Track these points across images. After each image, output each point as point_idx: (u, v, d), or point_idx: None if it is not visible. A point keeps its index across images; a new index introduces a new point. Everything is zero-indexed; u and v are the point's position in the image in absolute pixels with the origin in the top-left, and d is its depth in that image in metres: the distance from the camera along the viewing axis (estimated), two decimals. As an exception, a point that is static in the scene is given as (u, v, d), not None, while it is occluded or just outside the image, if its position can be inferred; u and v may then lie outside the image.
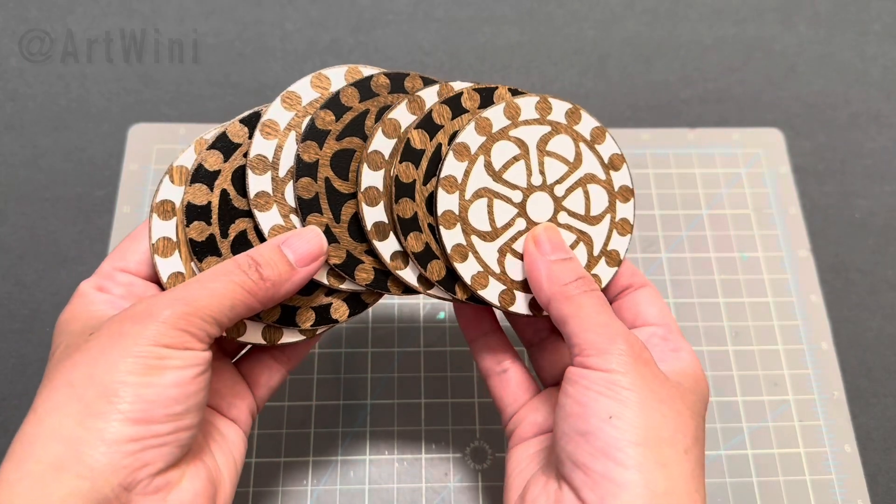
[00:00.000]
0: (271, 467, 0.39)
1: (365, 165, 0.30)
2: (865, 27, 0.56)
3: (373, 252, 0.30)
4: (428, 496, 0.39)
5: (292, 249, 0.28)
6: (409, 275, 0.31)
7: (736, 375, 0.43)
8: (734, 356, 0.44)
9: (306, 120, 0.30)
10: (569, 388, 0.28)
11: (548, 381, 0.34)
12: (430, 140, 0.31)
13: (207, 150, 0.30)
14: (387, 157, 0.30)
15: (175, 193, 0.30)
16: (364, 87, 0.32)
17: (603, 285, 0.33)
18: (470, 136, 0.31)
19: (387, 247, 0.30)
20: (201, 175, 0.30)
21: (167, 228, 0.29)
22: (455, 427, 0.41)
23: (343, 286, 0.30)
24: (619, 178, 0.33)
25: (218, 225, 0.30)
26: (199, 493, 0.26)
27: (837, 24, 0.56)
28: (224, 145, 0.30)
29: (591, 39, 0.55)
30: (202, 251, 0.29)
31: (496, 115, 0.32)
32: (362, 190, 0.30)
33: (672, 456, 0.26)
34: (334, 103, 0.31)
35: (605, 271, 0.33)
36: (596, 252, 0.32)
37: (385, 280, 0.31)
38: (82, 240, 0.45)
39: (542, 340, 0.34)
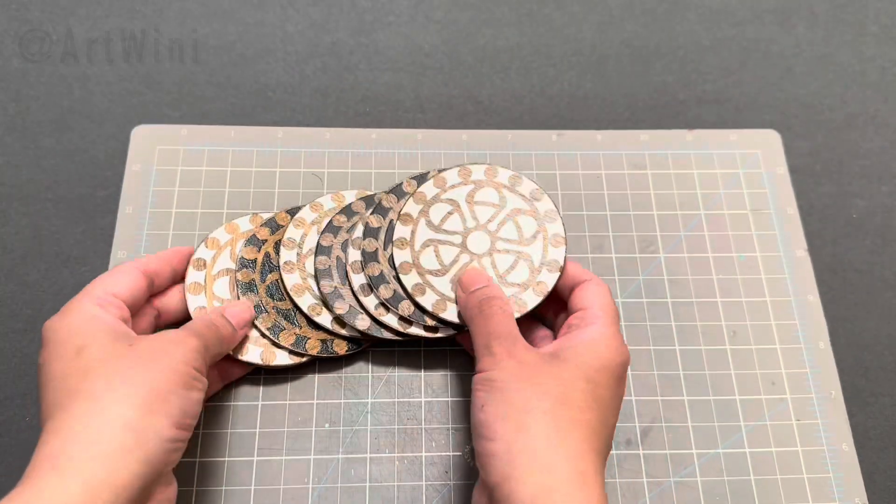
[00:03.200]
0: (273, 465, 0.39)
1: (350, 247, 0.42)
2: (863, 28, 0.57)
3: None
4: (428, 494, 0.39)
5: (230, 315, 0.38)
6: (391, 319, 0.40)
7: (734, 374, 0.43)
8: (732, 355, 0.44)
9: (325, 220, 0.43)
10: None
11: None
12: (385, 219, 0.42)
13: (261, 226, 0.44)
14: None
15: (207, 255, 0.42)
16: (369, 201, 0.44)
17: (549, 289, 0.40)
18: (411, 208, 0.42)
19: (371, 301, 0.40)
20: (253, 241, 0.43)
21: (198, 277, 0.41)
22: (455, 426, 0.41)
23: (344, 331, 0.41)
24: (543, 206, 0.42)
25: (259, 274, 0.42)
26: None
27: (835, 26, 0.57)
28: (272, 225, 0.44)
29: (590, 41, 0.55)
30: (245, 289, 0.41)
31: (428, 189, 0.42)
32: (349, 263, 0.41)
33: (528, 420, 0.31)
34: (347, 210, 0.43)
35: (548, 277, 0.40)
36: (536, 264, 0.40)
37: (379, 326, 0.40)
38: (85, 240, 0.46)
39: None
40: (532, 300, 0.39)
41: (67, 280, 0.44)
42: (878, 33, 0.57)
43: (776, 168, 0.50)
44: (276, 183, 0.47)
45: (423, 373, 0.42)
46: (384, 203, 0.43)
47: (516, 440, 0.30)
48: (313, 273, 0.42)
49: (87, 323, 0.33)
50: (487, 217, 0.41)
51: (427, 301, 0.39)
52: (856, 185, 0.50)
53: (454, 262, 0.40)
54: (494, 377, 0.33)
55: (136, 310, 0.37)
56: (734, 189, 0.49)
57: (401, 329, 0.40)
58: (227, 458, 0.39)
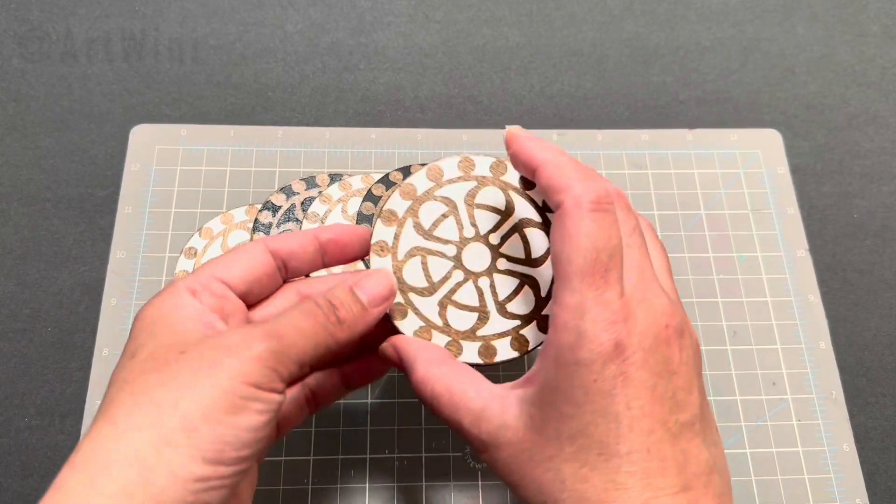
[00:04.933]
0: (272, 466, 0.39)
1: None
2: (863, 28, 0.57)
3: None
4: (428, 495, 0.39)
5: (364, 291, 0.29)
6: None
7: (734, 374, 0.43)
8: (732, 355, 0.44)
9: (351, 199, 0.44)
10: None
11: None
12: (375, 207, 0.40)
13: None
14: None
15: (199, 244, 0.42)
16: (405, 171, 0.44)
17: None
18: (396, 203, 0.33)
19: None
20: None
21: (187, 265, 0.39)
22: (455, 426, 0.41)
23: None
24: None
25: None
26: None
27: (835, 26, 0.57)
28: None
29: (590, 41, 0.55)
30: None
31: (419, 180, 0.34)
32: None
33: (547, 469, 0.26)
34: (385, 180, 0.43)
35: None
36: (544, 293, 0.32)
37: None
38: (84, 240, 0.46)
39: None
40: (536, 338, 0.32)
41: (66, 280, 0.44)
42: (878, 33, 0.56)
43: (777, 168, 0.50)
44: (276, 182, 0.47)
45: (422, 373, 0.42)
46: (374, 192, 0.40)
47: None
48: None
49: (165, 315, 0.27)
50: (490, 226, 0.33)
51: (408, 327, 0.32)
52: (856, 185, 0.50)
53: (445, 279, 0.32)
54: (495, 467, 0.28)
55: (260, 297, 0.31)
56: (735, 189, 0.49)
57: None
58: (226, 459, 0.39)
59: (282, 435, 0.32)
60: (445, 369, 0.29)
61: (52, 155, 0.48)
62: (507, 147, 0.31)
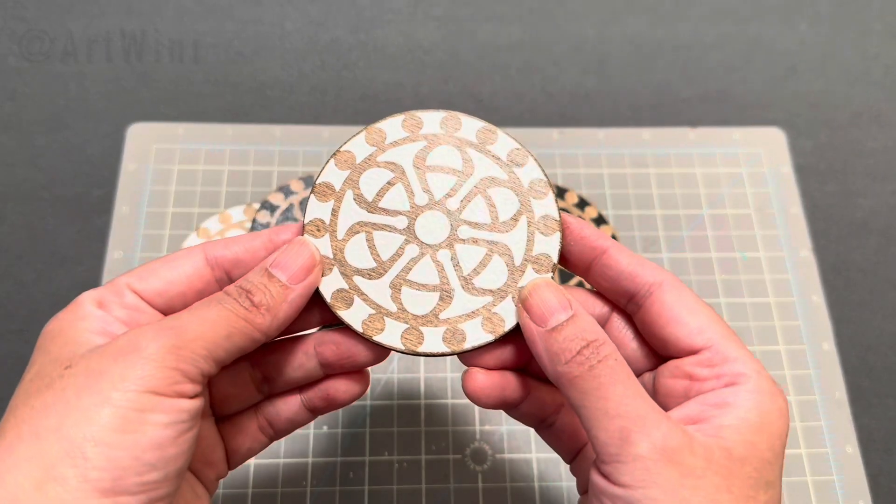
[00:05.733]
0: (270, 468, 0.39)
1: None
2: (867, 26, 0.56)
3: None
4: (428, 497, 0.39)
5: (281, 267, 0.26)
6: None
7: (737, 376, 0.43)
8: (735, 357, 0.43)
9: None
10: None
11: (572, 457, 0.30)
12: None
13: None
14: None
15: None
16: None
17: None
18: (331, 174, 0.29)
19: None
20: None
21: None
22: (455, 428, 0.41)
23: None
24: (527, 174, 0.29)
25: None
26: None
27: (839, 24, 0.56)
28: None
29: (592, 38, 0.55)
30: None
31: (358, 146, 0.29)
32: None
33: None
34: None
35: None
36: (518, 262, 0.28)
37: None
38: (81, 239, 0.45)
39: (550, 421, 0.30)
40: (513, 316, 0.28)
41: (63, 280, 0.44)
42: (881, 31, 0.56)
43: (780, 167, 0.50)
44: (274, 181, 0.47)
45: (422, 375, 0.42)
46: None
47: None
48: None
49: (63, 329, 0.24)
50: (446, 189, 0.29)
51: (355, 317, 0.28)
52: (860, 184, 0.50)
53: (396, 256, 0.28)
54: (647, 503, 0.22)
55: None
56: (737, 188, 0.49)
57: None
58: (224, 461, 0.39)
59: (235, 465, 0.29)
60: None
61: (48, 154, 0.48)
62: (567, 235, 0.28)
